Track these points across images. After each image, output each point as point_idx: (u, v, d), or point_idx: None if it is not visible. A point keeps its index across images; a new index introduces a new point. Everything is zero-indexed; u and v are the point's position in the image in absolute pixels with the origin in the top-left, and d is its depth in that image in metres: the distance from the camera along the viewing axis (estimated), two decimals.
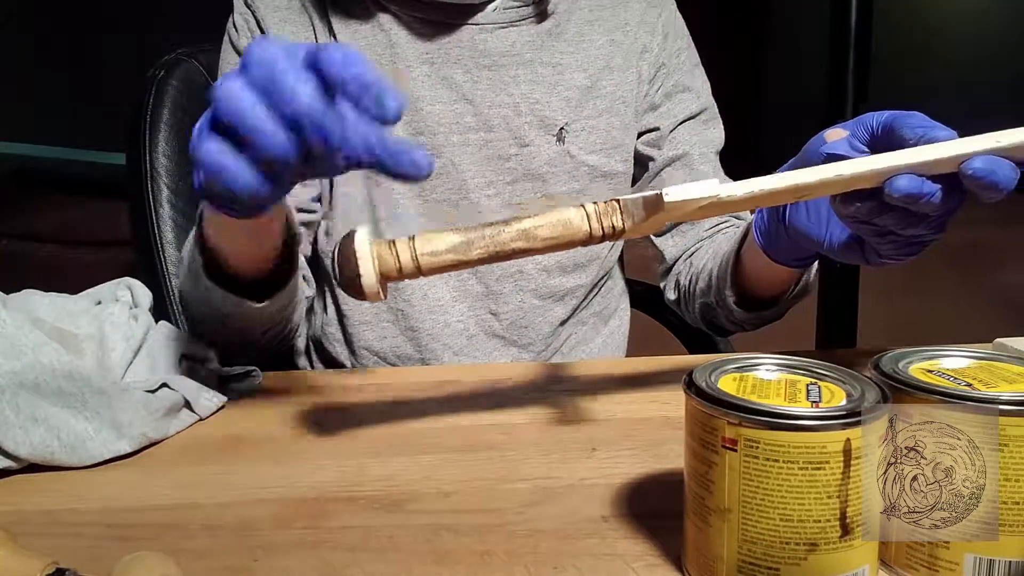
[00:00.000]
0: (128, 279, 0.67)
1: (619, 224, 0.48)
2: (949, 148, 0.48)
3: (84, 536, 0.46)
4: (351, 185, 0.83)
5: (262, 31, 0.83)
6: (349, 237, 0.47)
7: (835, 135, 0.56)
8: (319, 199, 0.85)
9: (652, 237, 0.92)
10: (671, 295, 0.91)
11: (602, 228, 0.48)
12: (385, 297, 0.48)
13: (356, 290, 0.47)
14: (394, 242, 0.47)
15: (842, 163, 0.49)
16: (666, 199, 0.45)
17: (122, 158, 0.97)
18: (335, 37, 0.82)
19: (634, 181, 0.92)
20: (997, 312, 2.22)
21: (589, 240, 0.48)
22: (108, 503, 0.50)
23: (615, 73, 0.86)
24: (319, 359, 0.91)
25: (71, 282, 0.67)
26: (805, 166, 0.53)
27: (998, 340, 0.69)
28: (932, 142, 0.49)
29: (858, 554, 0.36)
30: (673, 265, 0.91)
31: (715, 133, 0.92)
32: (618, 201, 0.48)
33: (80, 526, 0.47)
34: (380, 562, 0.42)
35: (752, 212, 0.76)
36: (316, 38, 0.83)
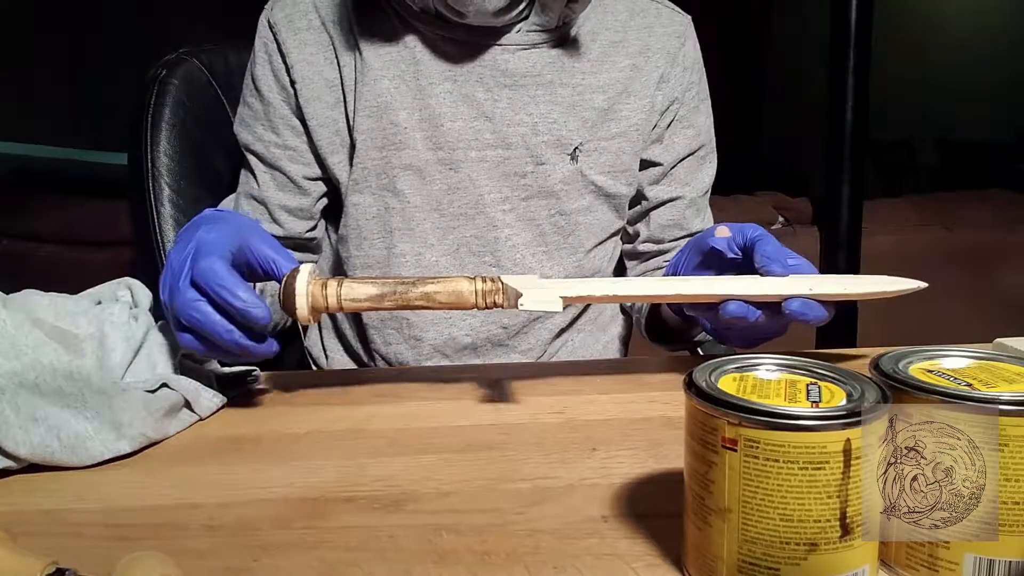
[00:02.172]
0: (128, 279, 0.67)
1: (499, 301, 0.61)
2: (775, 287, 0.62)
3: (84, 536, 0.46)
4: (363, 195, 0.84)
5: (282, 54, 0.84)
6: (292, 276, 0.59)
7: (722, 232, 0.67)
8: (313, 228, 0.90)
9: (624, 259, 0.99)
10: (627, 303, 0.99)
11: (485, 302, 0.60)
12: (316, 321, 0.61)
13: (292, 316, 0.59)
14: (326, 284, 0.59)
15: (689, 282, 0.65)
16: (520, 307, 0.60)
17: (123, 158, 0.97)
18: (361, 54, 0.83)
19: (630, 205, 0.94)
20: (997, 312, 2.22)
21: (474, 307, 0.60)
22: (108, 503, 0.50)
23: (632, 99, 0.87)
24: (344, 350, 0.94)
25: (71, 282, 0.67)
26: (697, 248, 0.70)
27: (998, 340, 0.69)
28: (768, 275, 0.63)
29: (858, 554, 0.36)
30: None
31: (707, 172, 0.95)
32: (503, 283, 0.60)
33: (80, 526, 0.47)
34: (380, 562, 0.42)
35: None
36: (337, 58, 0.84)
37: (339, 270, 0.91)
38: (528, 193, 0.85)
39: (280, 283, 0.59)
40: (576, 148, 0.85)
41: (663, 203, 0.92)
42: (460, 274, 0.62)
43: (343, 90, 0.84)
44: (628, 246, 0.97)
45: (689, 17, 0.91)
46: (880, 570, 0.40)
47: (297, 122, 0.86)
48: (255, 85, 0.87)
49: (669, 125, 0.90)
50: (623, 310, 1.01)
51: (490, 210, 0.84)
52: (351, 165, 0.84)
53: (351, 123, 0.83)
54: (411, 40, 0.83)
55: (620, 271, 1.00)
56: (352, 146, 0.84)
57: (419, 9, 0.81)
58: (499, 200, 0.84)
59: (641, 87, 0.87)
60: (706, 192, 0.95)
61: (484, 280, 0.60)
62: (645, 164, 0.91)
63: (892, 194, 2.49)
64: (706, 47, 0.93)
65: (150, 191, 0.98)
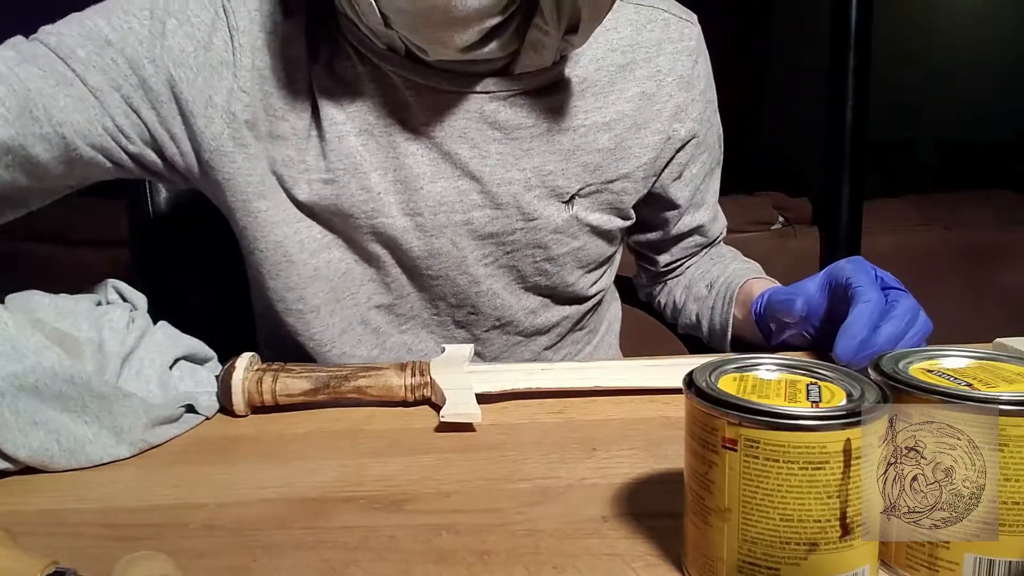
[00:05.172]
0: (115, 281, 0.66)
1: (428, 394, 0.63)
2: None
3: (84, 536, 0.46)
4: (332, 249, 0.75)
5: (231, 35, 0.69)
6: (230, 371, 0.62)
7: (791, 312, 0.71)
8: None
9: (647, 280, 1.00)
10: (643, 298, 1.02)
11: (414, 395, 0.63)
12: (249, 413, 0.62)
13: (228, 409, 0.62)
14: (261, 380, 0.62)
15: (608, 371, 0.67)
16: (441, 418, 0.58)
17: None
18: (314, 97, 0.69)
19: (640, 228, 0.92)
20: (997, 312, 2.22)
21: (403, 401, 0.63)
22: (108, 503, 0.50)
23: (642, 133, 0.78)
24: None
25: (71, 282, 0.67)
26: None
27: (998, 340, 0.69)
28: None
29: (858, 554, 0.36)
30: (647, 284, 1.01)
31: (717, 176, 0.92)
32: (432, 379, 0.63)
33: (80, 526, 0.47)
34: (380, 562, 0.42)
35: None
36: (277, 101, 0.69)
37: (293, 342, 0.79)
38: (515, 247, 0.77)
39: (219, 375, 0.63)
40: (574, 196, 0.76)
41: (685, 235, 0.91)
42: (392, 363, 0.64)
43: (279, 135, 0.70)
44: (645, 264, 0.97)
45: (696, 20, 0.81)
46: (880, 570, 0.39)
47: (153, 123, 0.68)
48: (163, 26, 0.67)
49: (689, 158, 0.83)
50: (632, 299, 1.03)
51: (473, 269, 0.76)
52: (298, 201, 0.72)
53: (289, 184, 0.71)
54: (378, 87, 0.70)
55: (619, 284, 1.00)
56: (297, 204, 0.72)
57: (384, 46, 0.68)
58: (481, 256, 0.76)
59: (652, 117, 0.78)
60: (716, 196, 0.93)
61: (414, 373, 0.63)
62: (663, 201, 0.86)
63: (892, 194, 2.49)
64: (707, 47, 0.93)
65: (147, 191, 0.98)
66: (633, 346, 1.01)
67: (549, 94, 0.73)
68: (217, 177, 0.71)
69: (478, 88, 0.70)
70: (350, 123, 0.70)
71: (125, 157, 0.70)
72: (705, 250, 0.95)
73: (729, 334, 0.86)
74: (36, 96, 0.64)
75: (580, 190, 0.76)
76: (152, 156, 0.71)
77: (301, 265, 0.74)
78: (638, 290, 1.04)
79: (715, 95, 0.86)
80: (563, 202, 0.76)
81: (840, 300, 0.66)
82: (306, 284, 0.75)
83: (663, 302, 0.98)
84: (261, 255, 0.74)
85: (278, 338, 0.81)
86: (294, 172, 0.71)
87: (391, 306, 0.79)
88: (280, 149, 0.71)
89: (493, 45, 0.65)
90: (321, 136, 0.70)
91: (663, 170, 0.83)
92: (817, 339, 0.72)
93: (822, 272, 0.70)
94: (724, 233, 0.97)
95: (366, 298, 0.78)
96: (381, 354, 0.80)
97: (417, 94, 0.70)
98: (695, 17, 0.82)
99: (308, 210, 0.73)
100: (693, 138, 0.82)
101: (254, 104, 0.69)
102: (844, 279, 0.66)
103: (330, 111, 0.70)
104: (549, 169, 0.74)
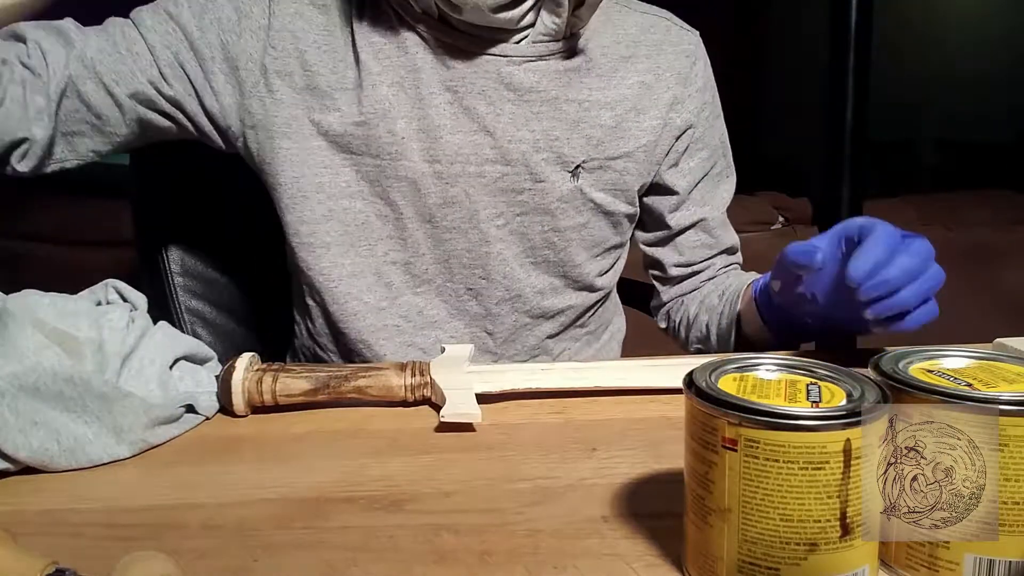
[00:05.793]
0: (115, 281, 0.66)
1: (428, 394, 0.63)
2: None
3: (84, 536, 0.46)
4: (354, 200, 0.82)
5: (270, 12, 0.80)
6: (230, 370, 0.62)
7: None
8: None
9: (656, 284, 0.99)
10: (662, 324, 1.01)
11: (414, 395, 0.63)
12: (249, 413, 0.62)
13: (228, 409, 0.62)
14: (261, 380, 0.62)
15: (606, 371, 0.67)
16: (441, 418, 0.58)
17: (123, 158, 0.97)
18: (356, 52, 0.79)
19: (648, 228, 0.94)
20: (997, 312, 2.22)
21: (404, 401, 0.63)
22: (108, 503, 0.50)
23: (642, 117, 0.85)
24: (339, 354, 0.91)
25: (71, 282, 0.67)
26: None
27: (998, 340, 0.69)
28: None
29: (858, 554, 0.36)
30: (666, 303, 0.99)
31: (725, 188, 0.94)
32: (432, 379, 0.63)
33: (80, 526, 0.47)
34: (380, 562, 0.42)
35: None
36: (335, 52, 0.80)
37: (309, 289, 0.86)
38: (524, 209, 0.83)
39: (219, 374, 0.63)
40: (578, 166, 0.82)
41: (687, 228, 0.92)
42: (392, 362, 0.64)
43: (327, 87, 0.79)
44: (656, 272, 0.97)
45: (698, 34, 0.89)
46: (880, 570, 0.40)
47: (203, 80, 0.80)
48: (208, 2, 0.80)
49: (686, 148, 0.88)
50: (631, 300, 1.02)
51: (484, 225, 0.82)
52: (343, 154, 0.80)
53: (327, 126, 0.80)
54: (412, 46, 0.79)
55: (622, 288, 1.00)
56: (326, 138, 0.80)
57: (421, 10, 0.78)
58: (493, 215, 0.83)
59: (651, 105, 0.85)
60: (727, 206, 0.95)
61: (414, 373, 0.63)
62: (661, 189, 0.90)
63: (892, 194, 2.49)
64: (707, 46, 0.93)
65: (150, 190, 0.98)
66: (633, 347, 1.01)
67: (559, 65, 0.82)
68: (252, 121, 0.81)
69: (497, 52, 0.80)
70: (385, 75, 0.80)
71: (164, 102, 0.80)
72: (720, 257, 0.95)
73: (733, 333, 0.86)
74: (94, 54, 0.78)
75: (584, 162, 0.83)
76: (194, 105, 0.81)
77: (316, 203, 0.82)
78: (653, 312, 1.02)
79: (718, 104, 0.91)
80: (568, 171, 0.83)
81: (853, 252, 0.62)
82: (319, 221, 0.83)
83: (678, 319, 0.97)
84: (281, 189, 0.83)
85: (300, 284, 0.87)
86: (330, 117, 0.80)
87: (407, 264, 0.84)
88: (318, 99, 0.80)
89: (516, 11, 0.76)
90: (360, 85, 0.79)
91: (663, 158, 0.88)
92: (822, 318, 0.69)
93: (831, 230, 0.65)
94: (738, 255, 0.98)
95: (383, 252, 0.84)
96: (390, 307, 0.85)
97: (445, 53, 0.80)
98: (697, 32, 0.90)
99: (345, 147, 0.81)
100: (689, 128, 0.88)
101: (284, 60, 0.80)
102: (857, 227, 0.62)
103: (369, 63, 0.79)
104: (556, 135, 0.82)
